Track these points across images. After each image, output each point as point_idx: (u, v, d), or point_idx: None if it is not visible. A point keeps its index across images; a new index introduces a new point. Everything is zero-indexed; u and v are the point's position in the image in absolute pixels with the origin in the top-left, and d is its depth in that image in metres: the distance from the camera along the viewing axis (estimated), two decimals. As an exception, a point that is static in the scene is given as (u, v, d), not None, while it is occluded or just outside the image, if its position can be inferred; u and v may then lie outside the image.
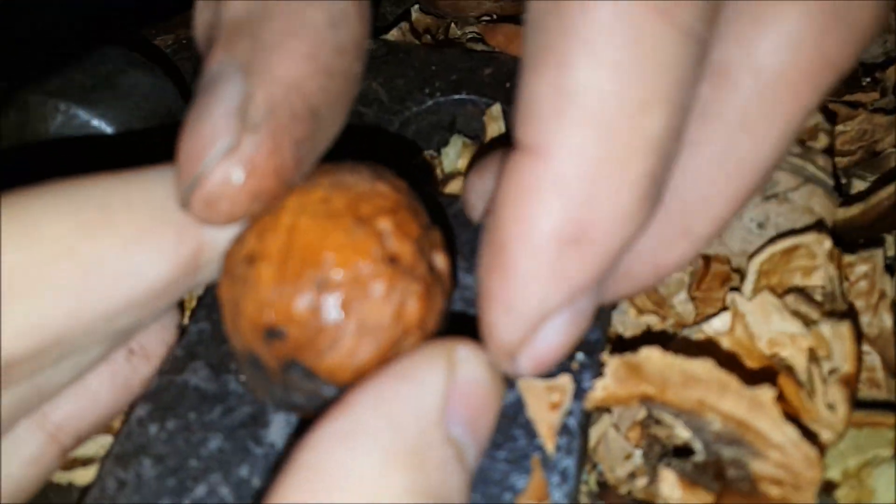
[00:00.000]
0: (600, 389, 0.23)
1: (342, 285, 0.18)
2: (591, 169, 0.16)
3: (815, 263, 0.25)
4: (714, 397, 0.22)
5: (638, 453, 0.25)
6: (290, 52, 0.18)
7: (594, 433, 0.25)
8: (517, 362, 0.19)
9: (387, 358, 0.19)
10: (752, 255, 0.26)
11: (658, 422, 0.26)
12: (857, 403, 0.24)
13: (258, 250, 0.19)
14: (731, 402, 0.22)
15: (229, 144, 0.17)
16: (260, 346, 0.19)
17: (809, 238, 0.25)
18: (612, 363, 0.23)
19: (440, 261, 0.21)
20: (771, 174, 0.19)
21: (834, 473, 0.24)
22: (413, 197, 0.21)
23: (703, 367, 0.22)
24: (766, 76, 0.17)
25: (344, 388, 0.20)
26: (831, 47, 0.17)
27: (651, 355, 0.23)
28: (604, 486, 0.25)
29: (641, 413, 0.26)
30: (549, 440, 0.22)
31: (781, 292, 0.27)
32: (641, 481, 0.25)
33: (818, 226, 0.27)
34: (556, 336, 0.18)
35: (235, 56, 0.18)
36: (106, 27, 0.41)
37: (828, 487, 0.24)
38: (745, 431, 0.22)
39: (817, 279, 0.26)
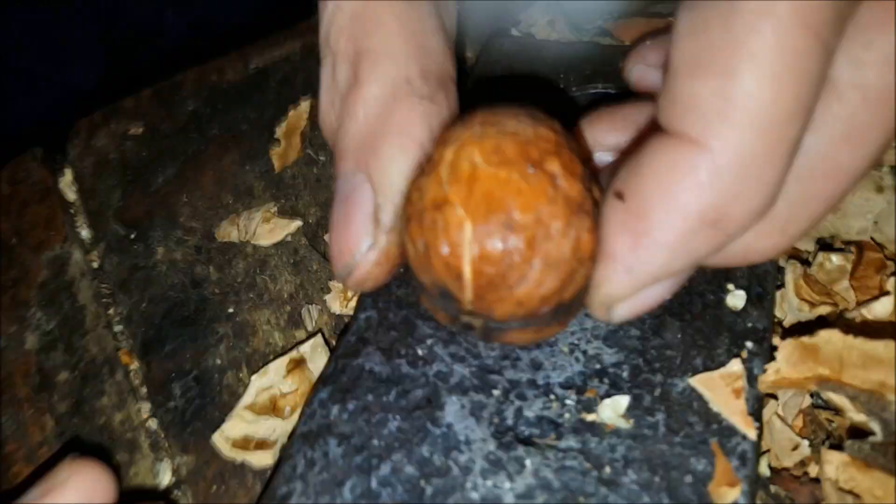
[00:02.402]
0: (772, 373, 0.23)
1: (527, 226, 0.20)
2: (743, 165, 0.18)
3: None
4: (897, 378, 0.22)
5: (805, 443, 0.25)
6: (404, 165, 0.23)
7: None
8: (612, 312, 0.22)
9: (565, 286, 0.21)
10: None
11: (823, 407, 0.25)
12: None
13: (445, 198, 0.21)
14: (916, 382, 0.22)
15: (370, 244, 0.24)
16: (452, 282, 0.21)
17: None
18: (786, 346, 0.23)
19: (598, 193, 0.22)
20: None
21: None
22: (568, 135, 0.23)
23: (886, 347, 0.22)
24: (872, 92, 0.19)
25: (527, 316, 0.22)
26: None
27: (830, 336, 0.22)
28: (775, 471, 0.25)
29: (807, 401, 0.26)
30: (748, 427, 0.22)
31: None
32: (812, 468, 0.25)
33: None
34: (655, 296, 0.21)
35: (362, 167, 0.24)
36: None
37: None
38: (931, 413, 0.22)
39: None
